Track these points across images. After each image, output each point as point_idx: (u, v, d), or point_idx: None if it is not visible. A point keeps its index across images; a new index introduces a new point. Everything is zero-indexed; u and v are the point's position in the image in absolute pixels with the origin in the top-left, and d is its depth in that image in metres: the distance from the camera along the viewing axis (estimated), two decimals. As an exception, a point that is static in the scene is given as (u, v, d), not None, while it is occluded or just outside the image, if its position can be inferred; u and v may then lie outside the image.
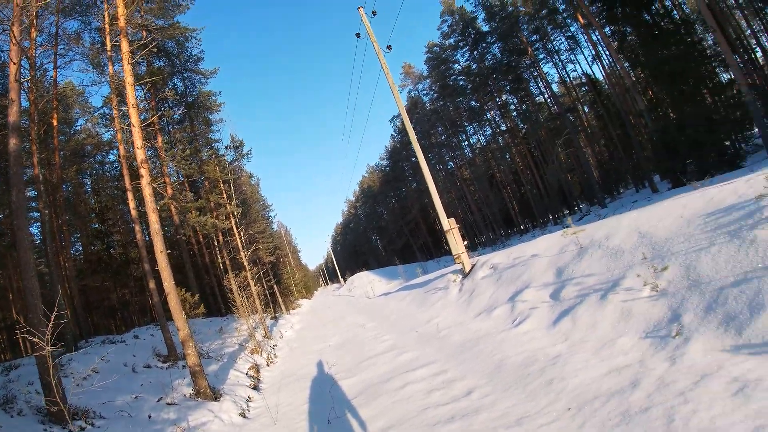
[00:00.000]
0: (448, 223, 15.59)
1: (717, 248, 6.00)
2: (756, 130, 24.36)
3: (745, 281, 5.25)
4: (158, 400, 9.69)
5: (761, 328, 4.65)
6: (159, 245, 10.51)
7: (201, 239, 32.93)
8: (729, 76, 25.94)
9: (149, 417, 8.71)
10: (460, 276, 15.40)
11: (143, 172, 10.99)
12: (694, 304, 5.67)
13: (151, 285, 14.26)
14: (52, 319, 4.54)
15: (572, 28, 44.29)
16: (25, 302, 7.73)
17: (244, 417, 9.65)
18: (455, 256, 15.53)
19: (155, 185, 11.44)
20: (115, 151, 33.90)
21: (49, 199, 21.30)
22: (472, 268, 14.95)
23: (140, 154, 11.07)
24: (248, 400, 10.99)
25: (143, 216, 19.03)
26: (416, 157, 17.14)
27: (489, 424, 5.34)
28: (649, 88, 29.53)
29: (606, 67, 39.84)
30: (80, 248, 34.69)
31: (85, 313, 25.18)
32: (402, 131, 68.96)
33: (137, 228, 15.87)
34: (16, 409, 7.63)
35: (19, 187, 8.31)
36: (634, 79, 30.81)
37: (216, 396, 10.39)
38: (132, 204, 15.55)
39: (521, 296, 9.87)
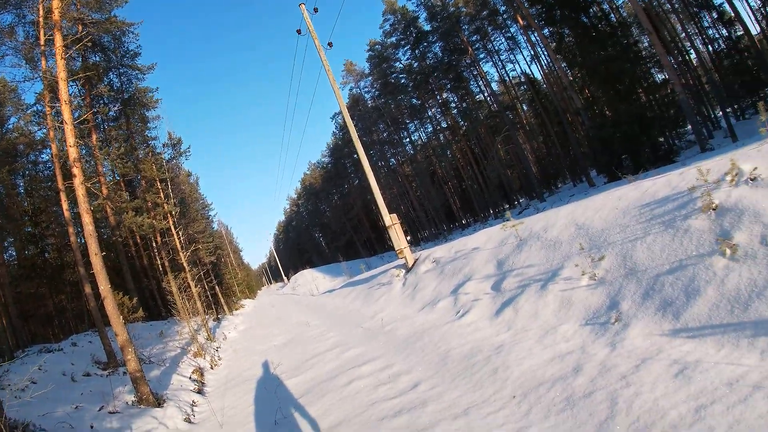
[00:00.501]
0: (390, 219, 15.65)
1: (652, 238, 6.21)
2: (689, 127, 25.56)
3: (680, 268, 5.45)
4: (100, 409, 9.29)
5: (698, 312, 4.83)
6: (93, 248, 10.08)
7: (139, 241, 31.93)
8: (663, 77, 27.17)
9: (91, 427, 8.33)
10: (404, 271, 15.49)
11: (76, 171, 10.51)
12: (631, 291, 5.86)
13: (87, 290, 13.70)
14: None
15: (512, 29, 45.51)
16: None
17: (190, 422, 9.40)
18: (398, 251, 15.60)
19: (89, 185, 10.95)
20: (48, 150, 32.47)
21: (-19, 202, 20.28)
22: (415, 262, 15.07)
23: (73, 153, 10.57)
24: (193, 404, 10.70)
25: (77, 218, 18.28)
26: (358, 154, 17.11)
27: (436, 415, 5.35)
28: (586, 88, 30.50)
29: (544, 66, 40.92)
30: (14, 253, 33.12)
31: (21, 321, 24.06)
32: (343, 128, 68.81)
33: (71, 230, 15.13)
34: (-55, 426, 7.19)
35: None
36: (571, 78, 31.72)
37: (159, 402, 10.06)
38: (65, 205, 14.88)
39: (464, 288, 10.00)
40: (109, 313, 9.97)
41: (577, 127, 37.99)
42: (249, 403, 9.29)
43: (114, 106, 30.85)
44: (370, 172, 16.61)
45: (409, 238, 58.57)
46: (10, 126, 32.37)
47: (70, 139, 10.57)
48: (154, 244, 31.04)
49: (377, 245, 79.88)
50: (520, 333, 6.82)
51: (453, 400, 5.59)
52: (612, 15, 30.20)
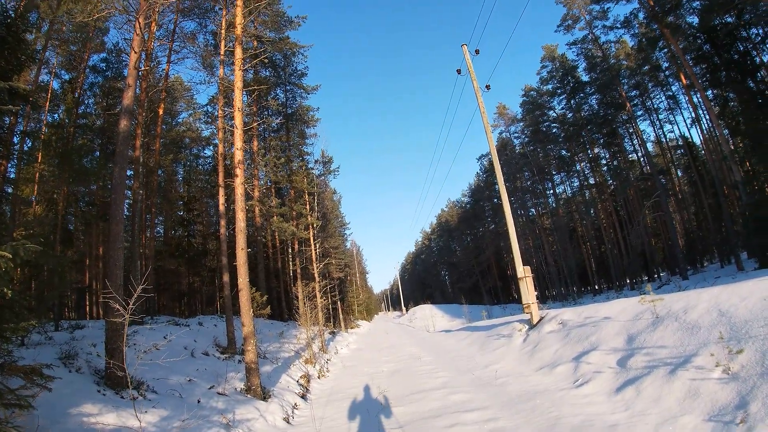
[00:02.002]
0: (523, 271, 15.27)
1: (800, 341, 5.69)
2: None
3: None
4: (210, 388, 9.90)
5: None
6: (241, 242, 10.85)
7: (277, 244, 33.70)
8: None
9: (198, 401, 8.91)
10: (527, 326, 15.05)
11: (238, 172, 11.41)
12: (764, 393, 5.40)
13: (225, 278, 14.74)
14: (138, 292, 4.76)
15: (674, 88, 42.94)
16: (107, 270, 8.14)
17: (288, 422, 9.70)
18: (525, 306, 15.16)
19: (246, 186, 11.87)
20: (210, 147, 35.73)
21: (144, 181, 22.48)
22: (540, 320, 14.58)
23: (238, 155, 11.51)
24: (294, 407, 11.06)
25: (229, 212, 19.75)
26: (499, 198, 16.99)
27: (535, 483, 5.14)
28: (747, 160, 28.14)
29: (704, 131, 38.12)
30: (161, 231, 36.48)
31: (154, 292, 26.17)
32: (488, 171, 68.81)
33: (222, 222, 16.40)
34: (75, 366, 8.00)
35: (122, 165, 8.87)
36: (732, 147, 29.41)
37: (265, 396, 10.51)
38: (221, 199, 16.21)
39: (587, 357, 9.56)
40: (242, 304, 10.63)
41: (733, 202, 34.94)
42: (347, 420, 9.42)
43: (277, 118, 33.31)
44: (510, 219, 16.38)
45: (536, 293, 56.64)
46: (180, 120, 36.18)
47: (238, 142, 11.53)
48: (290, 251, 32.61)
49: (502, 295, 78.18)
50: (638, 416, 6.41)
51: (555, 471, 5.33)
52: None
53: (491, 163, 69.78)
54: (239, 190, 11.17)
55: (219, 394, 9.75)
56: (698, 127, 38.86)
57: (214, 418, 8.16)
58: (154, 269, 27.22)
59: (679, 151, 47.77)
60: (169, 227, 35.55)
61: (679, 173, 49.53)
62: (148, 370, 9.03)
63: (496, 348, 15.19)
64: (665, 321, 8.68)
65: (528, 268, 15.46)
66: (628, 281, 48.06)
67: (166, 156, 32.25)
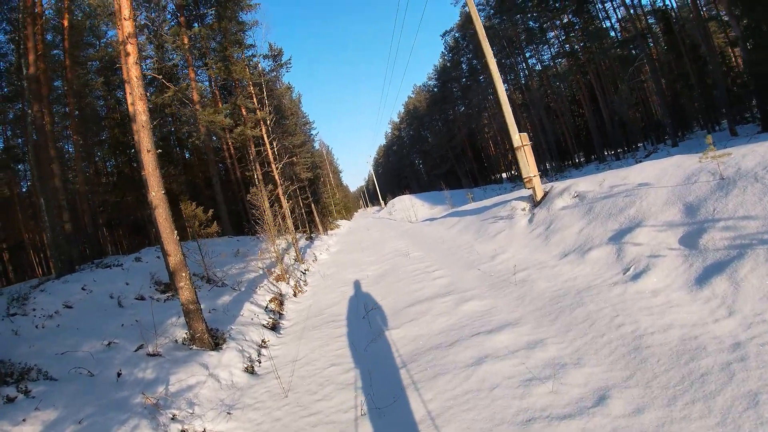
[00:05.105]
0: (519, 139, 12.56)
1: None
2: None
3: None
4: (137, 349, 7.14)
5: None
6: (146, 142, 7.76)
7: (233, 153, 30.40)
8: None
9: (118, 375, 6.23)
10: (530, 204, 12.62)
11: (130, 48, 8.08)
12: None
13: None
14: None
15: None
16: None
17: (252, 373, 7.29)
18: (526, 180, 12.56)
19: (147, 69, 8.58)
20: (148, 61, 31.47)
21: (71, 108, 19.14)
22: (546, 195, 12.13)
23: (127, 27, 8.07)
24: (261, 346, 8.57)
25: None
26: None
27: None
28: (744, 19, 25.31)
29: None
30: (112, 164, 32.99)
31: (95, 230, 23.25)
32: (453, 49, 64.86)
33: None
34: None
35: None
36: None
37: (217, 342, 7.90)
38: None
39: (631, 237, 7.10)
40: (161, 225, 7.73)
41: (717, 67, 32.21)
42: (329, 362, 7.02)
43: (209, 10, 28.55)
44: (499, 82, 13.62)
45: (514, 172, 54.73)
46: (110, 37, 31.64)
47: (125, 10, 8.15)
48: (249, 158, 29.50)
49: (479, 177, 76.26)
50: (759, 325, 4.02)
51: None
52: None
53: (456, 40, 65.90)
54: (133, 72, 7.95)
55: (150, 355, 7.04)
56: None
57: (136, 400, 5.56)
58: (99, 205, 24.24)
59: (650, 18, 44.36)
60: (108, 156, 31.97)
61: (651, 40, 46.30)
62: (51, 341, 6.41)
63: (496, 233, 12.78)
64: (739, 183, 6.20)
65: (525, 135, 12.75)
66: (608, 153, 46.19)
67: (96, 81, 27.93)
